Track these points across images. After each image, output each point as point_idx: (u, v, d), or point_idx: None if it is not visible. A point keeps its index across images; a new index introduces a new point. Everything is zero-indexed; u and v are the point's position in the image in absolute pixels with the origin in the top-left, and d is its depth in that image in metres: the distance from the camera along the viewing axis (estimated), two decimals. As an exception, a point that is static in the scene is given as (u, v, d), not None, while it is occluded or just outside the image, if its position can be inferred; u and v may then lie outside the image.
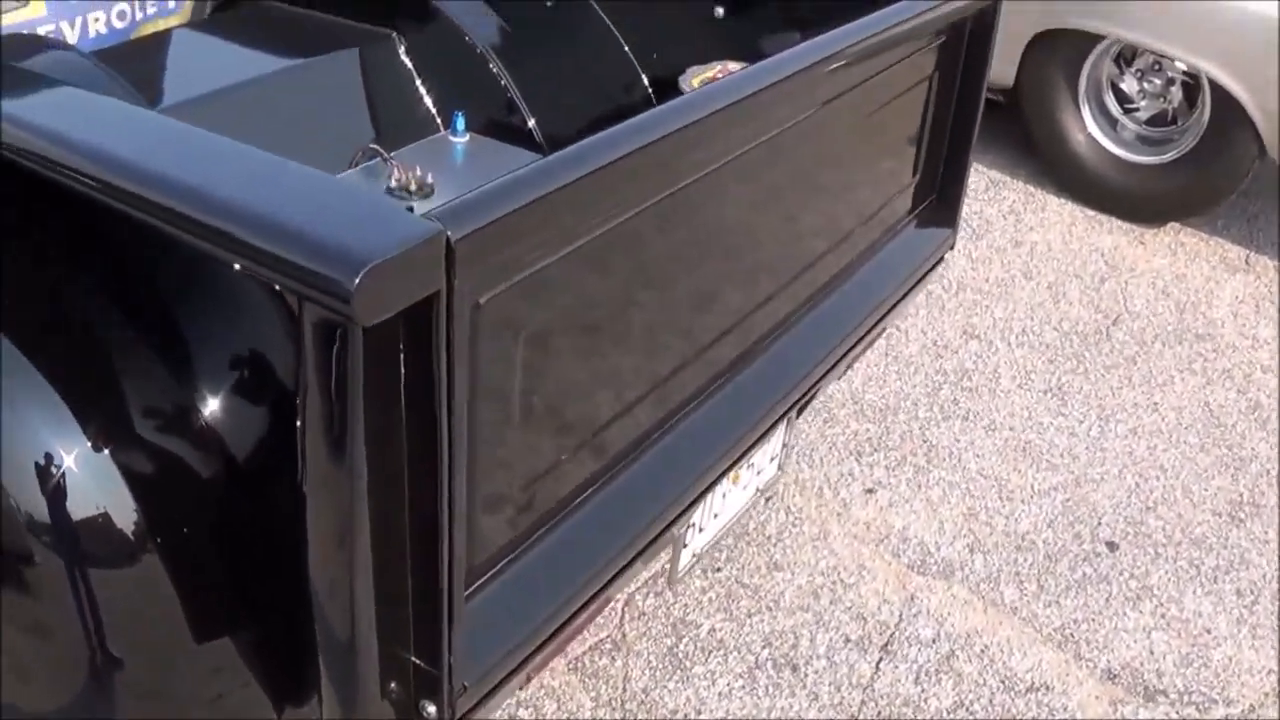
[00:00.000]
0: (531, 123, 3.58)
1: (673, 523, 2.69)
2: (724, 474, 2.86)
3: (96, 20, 4.04)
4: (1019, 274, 5.75)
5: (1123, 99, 6.30)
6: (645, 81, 3.89)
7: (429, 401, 1.91)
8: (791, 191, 2.98)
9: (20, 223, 2.38)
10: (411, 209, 1.84)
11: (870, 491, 4.35)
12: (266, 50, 3.71)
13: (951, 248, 3.76)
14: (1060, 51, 6.24)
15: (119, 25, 4.10)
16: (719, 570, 3.94)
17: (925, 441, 4.61)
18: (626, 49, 3.89)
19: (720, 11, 3.81)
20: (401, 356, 1.85)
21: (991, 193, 6.45)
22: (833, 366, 3.22)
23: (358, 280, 1.66)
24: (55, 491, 2.17)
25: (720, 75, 3.43)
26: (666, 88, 3.79)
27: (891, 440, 4.59)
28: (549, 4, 3.87)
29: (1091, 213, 6.33)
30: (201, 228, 1.89)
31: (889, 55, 3.02)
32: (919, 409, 4.77)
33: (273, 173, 2.00)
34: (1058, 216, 6.29)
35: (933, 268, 3.68)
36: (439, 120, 3.63)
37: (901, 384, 4.90)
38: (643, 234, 2.41)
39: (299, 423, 1.94)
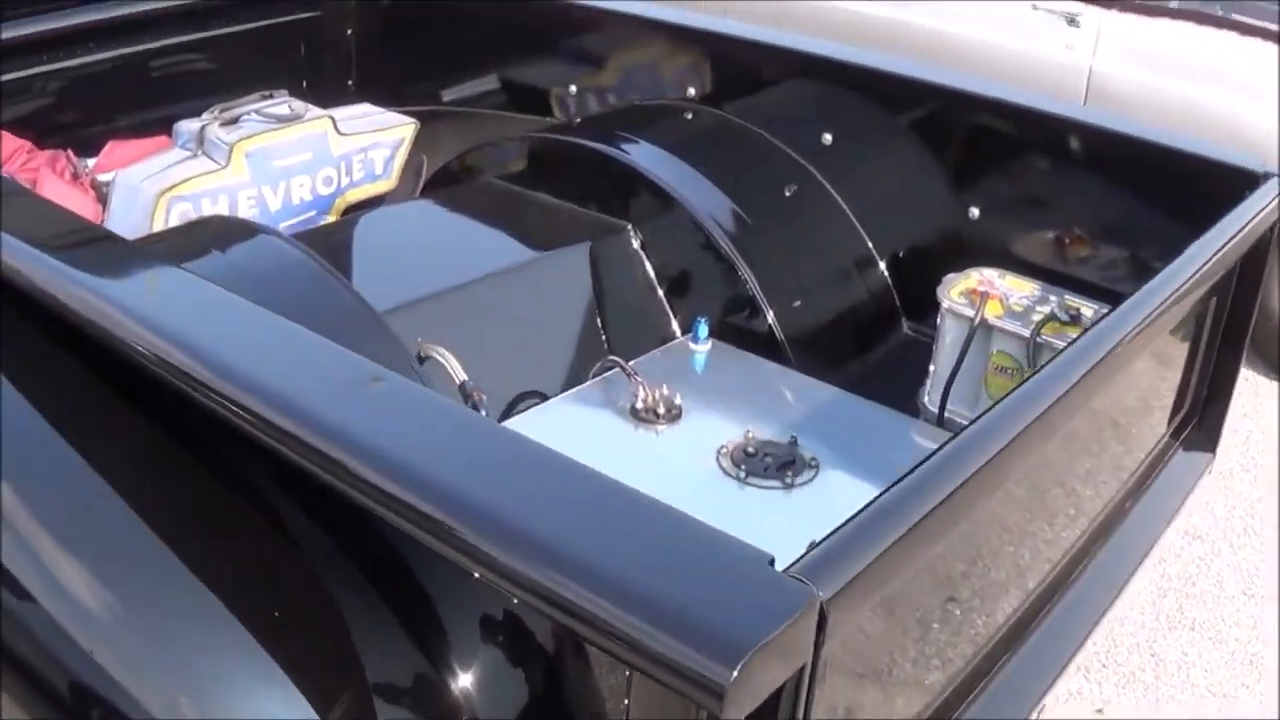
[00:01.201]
0: (770, 318, 3.37)
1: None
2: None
3: (301, 186, 3.86)
4: (1237, 466, 5.45)
5: (1335, 277, 6.00)
6: (890, 282, 3.67)
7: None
8: (1074, 441, 2.74)
9: (263, 495, 2.17)
10: (774, 562, 1.54)
11: (1099, 711, 4.10)
12: (491, 239, 3.54)
13: (1210, 472, 3.50)
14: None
15: (324, 192, 3.93)
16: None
17: (1153, 655, 4.34)
18: (870, 245, 3.67)
19: (975, 213, 3.58)
20: None
21: (1203, 376, 6.16)
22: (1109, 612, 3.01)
23: (734, 675, 1.36)
24: None
25: (982, 287, 3.20)
26: (911, 285, 3.59)
27: (1119, 654, 4.32)
28: (787, 194, 3.66)
29: (1305, 395, 6.04)
30: (499, 567, 1.59)
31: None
32: (1145, 618, 4.50)
33: (594, 499, 1.69)
34: (1270, 401, 5.99)
35: (1193, 492, 3.42)
36: (673, 316, 3.43)
37: (1126, 591, 4.63)
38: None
39: None
